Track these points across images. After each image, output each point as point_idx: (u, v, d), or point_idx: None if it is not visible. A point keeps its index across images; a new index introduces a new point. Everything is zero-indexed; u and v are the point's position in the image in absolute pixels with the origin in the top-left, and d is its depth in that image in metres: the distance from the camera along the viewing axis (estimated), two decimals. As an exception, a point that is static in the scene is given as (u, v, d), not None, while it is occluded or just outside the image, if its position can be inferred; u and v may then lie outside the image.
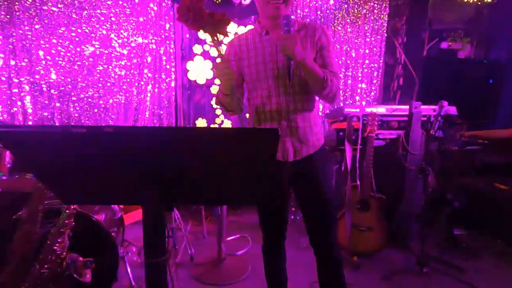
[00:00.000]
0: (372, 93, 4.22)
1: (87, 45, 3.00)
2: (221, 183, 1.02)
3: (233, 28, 3.38)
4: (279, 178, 1.00)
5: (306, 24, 1.52)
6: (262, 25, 1.50)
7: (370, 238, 2.60)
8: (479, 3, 3.68)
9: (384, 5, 4.03)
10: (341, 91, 1.47)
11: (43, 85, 2.92)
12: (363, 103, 4.21)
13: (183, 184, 1.00)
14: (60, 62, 2.95)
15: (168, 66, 3.29)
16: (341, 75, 1.60)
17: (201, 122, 3.42)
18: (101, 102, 3.13)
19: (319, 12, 3.64)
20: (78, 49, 2.99)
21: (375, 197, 2.59)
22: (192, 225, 3.17)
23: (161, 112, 3.32)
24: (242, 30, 3.41)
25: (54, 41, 2.90)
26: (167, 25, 3.23)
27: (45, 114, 2.96)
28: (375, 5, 3.98)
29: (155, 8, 3.17)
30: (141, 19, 3.13)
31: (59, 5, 2.88)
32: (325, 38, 1.49)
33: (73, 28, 2.94)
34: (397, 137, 2.73)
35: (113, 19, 3.06)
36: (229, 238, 2.78)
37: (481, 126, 4.38)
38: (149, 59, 3.22)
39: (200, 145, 0.86)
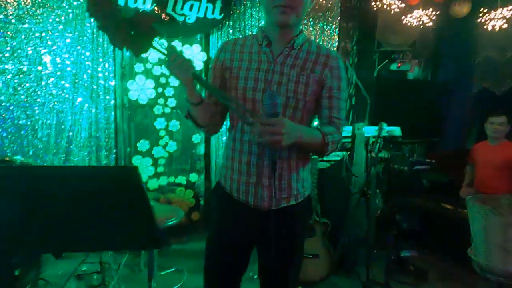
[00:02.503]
0: (325, 113, 4.20)
1: (10, 62, 2.75)
2: (90, 226, 0.86)
3: (177, 47, 3.26)
4: (152, 220, 0.84)
5: (319, 46, 1.26)
6: (264, 33, 1.23)
7: (315, 266, 2.48)
8: (422, 26, 3.80)
9: (334, 26, 4.08)
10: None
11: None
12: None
13: (51, 231, 0.84)
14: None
15: (106, 85, 3.09)
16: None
17: (143, 144, 3.22)
18: (29, 123, 2.87)
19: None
20: (2, 66, 2.74)
21: (319, 222, 2.49)
22: (131, 256, 2.90)
23: (98, 134, 3.09)
24: (187, 48, 3.29)
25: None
26: (105, 42, 3.05)
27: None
28: (325, 26, 4.02)
29: (93, 23, 2.99)
30: (73, 35, 2.93)
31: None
32: (338, 74, 1.23)
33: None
34: (341, 159, 2.67)
35: (43, 34, 2.84)
36: (162, 273, 2.56)
37: (431, 144, 4.48)
38: (85, 77, 3.01)
39: (57, 185, 0.75)
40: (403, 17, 3.79)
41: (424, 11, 3.81)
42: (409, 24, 3.80)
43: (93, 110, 3.07)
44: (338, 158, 2.68)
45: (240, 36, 3.45)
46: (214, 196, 1.42)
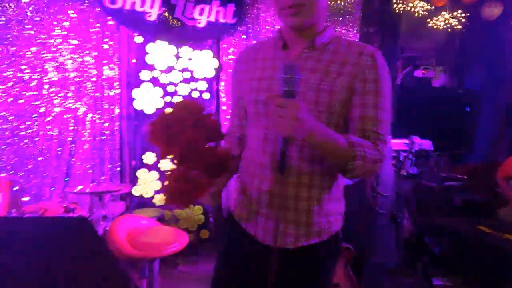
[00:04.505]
0: (343, 123, 3.93)
1: (10, 70, 2.60)
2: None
3: (186, 53, 3.07)
4: (122, 277, 0.61)
5: (350, 42, 1.03)
6: (281, 34, 1.05)
7: (337, 297, 2.19)
8: (450, 30, 3.51)
9: (354, 31, 3.83)
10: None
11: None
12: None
13: None
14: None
15: (111, 94, 2.91)
16: (388, 140, 1.01)
17: (149, 156, 3.01)
18: (28, 134, 2.70)
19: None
20: (1, 74, 2.59)
21: (341, 248, 2.21)
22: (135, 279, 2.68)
23: (102, 146, 2.90)
24: (197, 54, 3.09)
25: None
26: (111, 49, 2.88)
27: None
28: (344, 31, 3.77)
29: (97, 29, 2.83)
30: (76, 41, 2.76)
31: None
32: (376, 74, 0.96)
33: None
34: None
35: (45, 41, 2.69)
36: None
37: (459, 157, 4.14)
38: (88, 85, 2.84)
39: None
40: (428, 20, 3.51)
41: (451, 13, 3.53)
42: (435, 27, 3.52)
43: (97, 121, 2.89)
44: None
45: (254, 41, 3.28)
46: (226, 224, 1.23)
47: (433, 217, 2.98)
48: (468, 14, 3.53)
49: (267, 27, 3.34)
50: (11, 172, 2.56)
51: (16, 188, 1.68)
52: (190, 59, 3.06)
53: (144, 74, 2.94)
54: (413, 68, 4.23)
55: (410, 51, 3.88)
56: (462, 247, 2.96)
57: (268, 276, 1.02)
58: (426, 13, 3.51)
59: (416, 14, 3.36)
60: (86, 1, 2.78)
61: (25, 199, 1.82)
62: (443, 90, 4.48)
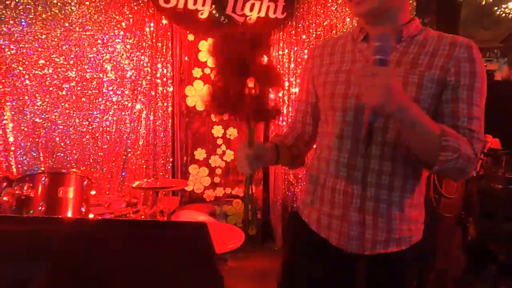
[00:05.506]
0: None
1: (74, 69, 2.75)
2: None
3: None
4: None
5: (440, 34, 0.93)
6: (362, 26, 0.99)
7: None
8: (520, 18, 3.21)
9: (408, 22, 3.62)
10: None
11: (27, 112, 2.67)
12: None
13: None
14: (44, 87, 2.70)
15: (164, 91, 2.99)
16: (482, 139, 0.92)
17: (200, 153, 3.06)
18: (89, 130, 2.85)
19: (333, 32, 3.27)
20: (67, 73, 2.75)
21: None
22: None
23: (155, 142, 3.00)
24: (247, 51, 3.08)
25: (41, 63, 2.67)
26: (164, 47, 2.95)
27: (28, 143, 2.70)
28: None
29: (152, 28, 2.91)
30: (132, 41, 2.86)
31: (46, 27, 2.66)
32: (470, 67, 0.88)
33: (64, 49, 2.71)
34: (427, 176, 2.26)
35: (105, 41, 2.81)
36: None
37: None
38: (144, 83, 2.93)
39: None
40: (496, 8, 3.23)
41: (521, 0, 3.22)
42: (503, 15, 3.23)
43: (151, 117, 2.99)
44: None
45: (304, 36, 3.20)
46: (290, 225, 1.21)
47: (499, 222, 2.76)
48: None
49: (317, 21, 3.24)
50: (78, 167, 2.72)
51: (85, 182, 1.76)
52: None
53: (196, 72, 2.98)
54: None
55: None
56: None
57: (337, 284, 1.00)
58: (491, 0, 3.23)
59: (482, 2, 3.10)
60: (141, 2, 2.86)
61: (92, 192, 1.92)
62: (506, 83, 4.13)
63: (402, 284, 1.00)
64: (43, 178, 1.64)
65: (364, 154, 0.93)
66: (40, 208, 1.60)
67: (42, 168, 1.70)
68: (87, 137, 2.85)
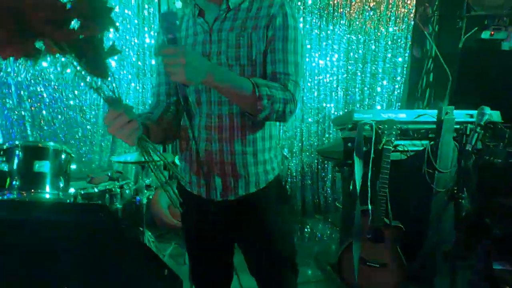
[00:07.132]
0: (395, 93, 3.64)
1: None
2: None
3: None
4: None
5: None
6: (194, 1, 1.07)
7: (382, 277, 2.08)
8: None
9: (411, -12, 3.43)
10: (298, 107, 0.97)
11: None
12: (383, 105, 3.63)
13: None
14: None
15: (153, 63, 2.88)
16: (300, 82, 1.05)
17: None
18: (77, 103, 2.78)
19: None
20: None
21: (390, 225, 2.06)
22: (176, 246, 2.74)
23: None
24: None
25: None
26: (154, 16, 2.82)
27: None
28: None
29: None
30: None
31: None
32: (282, 21, 1.01)
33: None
34: (421, 150, 2.17)
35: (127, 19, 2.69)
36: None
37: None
38: (135, 56, 2.83)
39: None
40: (506, -29, 3.01)
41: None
42: (513, -21, 3.02)
43: (140, 90, 2.90)
44: (418, 149, 2.18)
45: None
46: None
47: (496, 196, 2.70)
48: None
49: None
50: (60, 141, 2.68)
51: (64, 156, 1.70)
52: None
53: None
54: (480, 29, 3.73)
55: (480, 9, 3.39)
56: (529, 231, 2.67)
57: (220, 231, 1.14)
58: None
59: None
60: None
61: (72, 166, 1.87)
62: (514, 53, 3.94)
63: (271, 213, 1.13)
64: (17, 152, 1.59)
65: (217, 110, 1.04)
66: (14, 182, 1.56)
67: (17, 142, 1.64)
68: (76, 110, 2.79)
